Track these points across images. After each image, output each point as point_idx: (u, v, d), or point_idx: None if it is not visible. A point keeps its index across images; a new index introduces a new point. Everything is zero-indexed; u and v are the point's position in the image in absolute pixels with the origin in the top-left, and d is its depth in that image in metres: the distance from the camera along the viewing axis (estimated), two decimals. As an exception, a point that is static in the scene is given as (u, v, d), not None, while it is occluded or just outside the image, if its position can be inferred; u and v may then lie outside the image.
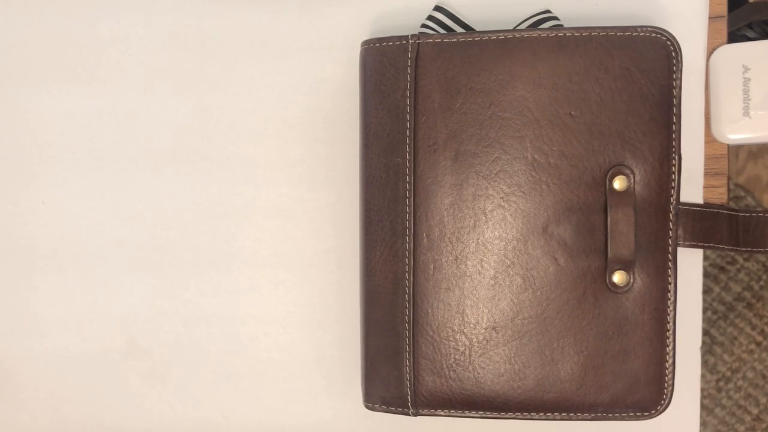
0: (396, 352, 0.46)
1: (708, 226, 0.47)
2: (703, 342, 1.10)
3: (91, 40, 0.52)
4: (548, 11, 0.48)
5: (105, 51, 0.52)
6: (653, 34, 0.43)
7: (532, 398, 0.45)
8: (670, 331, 0.44)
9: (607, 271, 0.44)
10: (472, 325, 0.45)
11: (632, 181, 0.44)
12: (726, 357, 1.10)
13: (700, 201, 0.49)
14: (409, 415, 0.46)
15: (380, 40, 0.45)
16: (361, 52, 0.47)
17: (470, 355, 0.45)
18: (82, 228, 0.53)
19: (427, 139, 0.45)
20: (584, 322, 0.44)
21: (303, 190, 0.51)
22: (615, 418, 0.45)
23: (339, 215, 0.51)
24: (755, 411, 1.10)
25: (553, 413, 0.45)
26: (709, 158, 0.49)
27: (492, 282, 0.45)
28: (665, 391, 0.44)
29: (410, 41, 0.45)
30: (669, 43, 0.43)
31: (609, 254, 0.44)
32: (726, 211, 0.47)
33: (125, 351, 0.53)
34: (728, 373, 1.10)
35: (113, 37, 0.52)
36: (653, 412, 0.44)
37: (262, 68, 0.51)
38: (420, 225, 0.45)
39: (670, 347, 0.44)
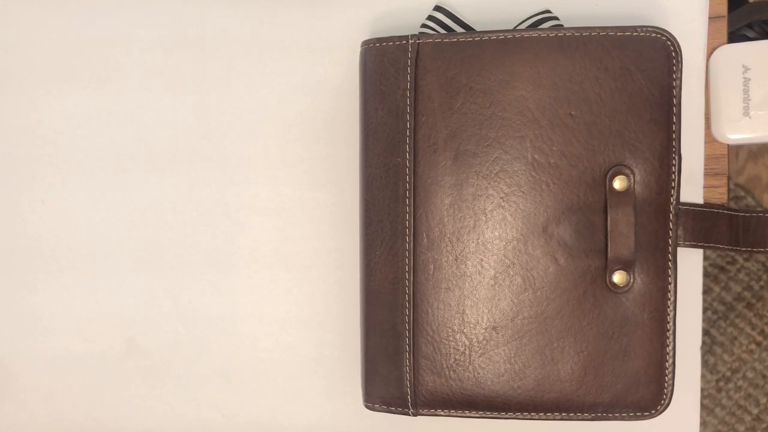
0: (396, 352, 0.46)
1: (708, 226, 0.47)
2: (703, 342, 1.10)
3: (90, 40, 0.52)
4: (548, 11, 0.48)
5: (105, 51, 0.52)
6: (653, 34, 0.43)
7: (532, 398, 0.45)
8: (670, 331, 0.44)
9: (607, 271, 0.44)
10: (472, 325, 0.45)
11: (632, 181, 0.44)
12: (726, 357, 1.10)
13: (700, 201, 0.49)
14: (409, 415, 0.46)
15: (380, 40, 0.45)
16: (361, 52, 0.47)
17: (470, 355, 0.45)
18: (82, 228, 0.53)
19: (427, 139, 0.45)
20: (584, 322, 0.44)
21: (303, 190, 0.51)
22: (615, 418, 0.45)
23: (339, 215, 0.51)
24: (755, 411, 1.10)
25: (553, 413, 0.45)
26: (709, 158, 0.49)
27: (492, 282, 0.45)
28: (665, 391, 0.44)
29: (410, 41, 0.45)
30: (669, 43, 0.43)
31: (609, 254, 0.44)
32: (726, 211, 0.47)
33: (125, 351, 0.53)
34: (728, 373, 1.10)
35: (113, 37, 0.52)
36: (653, 412, 0.44)
37: (262, 68, 0.51)
38: (420, 225, 0.45)
39: (670, 347, 0.44)
